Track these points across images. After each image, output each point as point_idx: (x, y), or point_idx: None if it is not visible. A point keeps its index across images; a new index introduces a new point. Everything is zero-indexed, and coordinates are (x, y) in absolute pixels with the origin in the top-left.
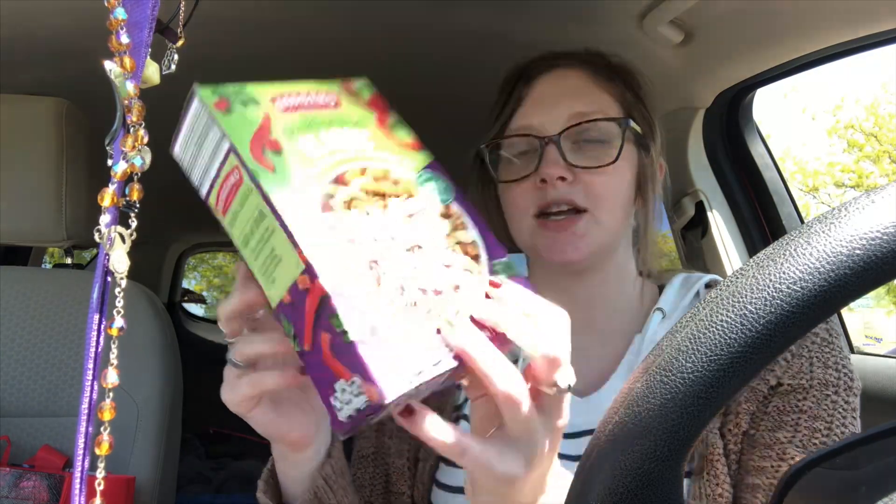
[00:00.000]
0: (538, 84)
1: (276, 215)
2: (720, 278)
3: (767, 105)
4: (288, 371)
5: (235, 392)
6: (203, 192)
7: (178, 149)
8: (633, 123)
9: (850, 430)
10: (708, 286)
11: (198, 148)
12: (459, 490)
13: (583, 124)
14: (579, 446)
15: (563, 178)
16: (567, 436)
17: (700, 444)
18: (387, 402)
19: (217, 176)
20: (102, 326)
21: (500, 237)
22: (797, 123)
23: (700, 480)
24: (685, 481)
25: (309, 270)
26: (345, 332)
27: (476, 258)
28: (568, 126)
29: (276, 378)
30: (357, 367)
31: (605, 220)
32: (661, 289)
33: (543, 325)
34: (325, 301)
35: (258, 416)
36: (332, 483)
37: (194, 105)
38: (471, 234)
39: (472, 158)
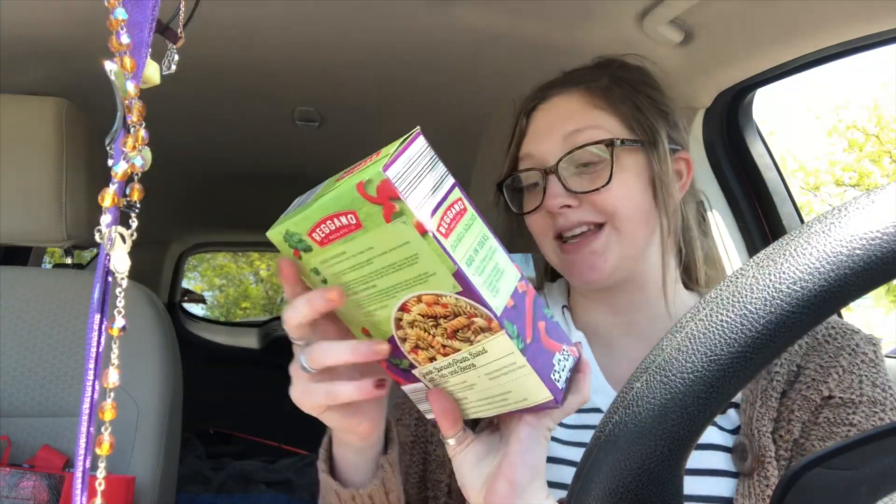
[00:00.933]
0: (536, 114)
1: (496, 238)
2: None
3: (767, 105)
4: (365, 385)
5: (310, 398)
6: (422, 213)
7: (395, 171)
8: (622, 141)
9: None
10: None
11: (418, 177)
12: None
13: (574, 151)
14: None
15: (567, 206)
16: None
17: (753, 445)
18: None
19: (442, 202)
20: (103, 326)
21: (537, 257)
22: (798, 123)
23: (750, 480)
24: (734, 480)
25: (524, 277)
26: (552, 316)
27: None
28: (563, 155)
29: (353, 391)
30: (562, 336)
31: (626, 229)
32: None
33: None
34: (537, 298)
35: (330, 417)
36: (394, 469)
37: (419, 142)
38: None
39: (495, 192)
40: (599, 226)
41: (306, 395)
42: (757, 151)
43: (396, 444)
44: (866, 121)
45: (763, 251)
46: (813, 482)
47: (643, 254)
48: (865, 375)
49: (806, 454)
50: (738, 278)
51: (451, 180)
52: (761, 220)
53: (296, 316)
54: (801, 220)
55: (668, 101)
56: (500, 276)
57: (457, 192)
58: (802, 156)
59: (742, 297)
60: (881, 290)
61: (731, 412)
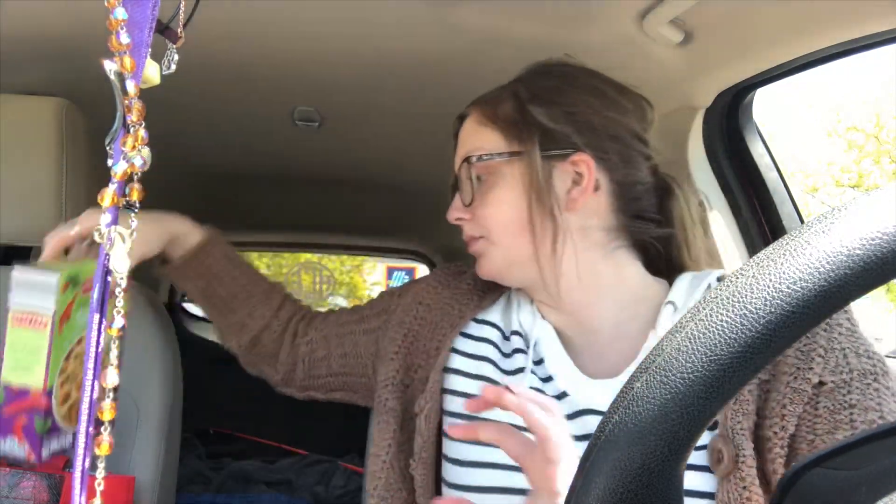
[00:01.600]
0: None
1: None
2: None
3: (767, 105)
4: None
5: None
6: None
7: None
8: (476, 158)
9: None
10: (720, 279)
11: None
12: (467, 464)
13: (459, 169)
14: (584, 426)
15: (460, 219)
16: (571, 416)
17: (728, 446)
18: None
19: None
20: (103, 326)
21: None
22: (798, 123)
23: (728, 483)
24: (705, 476)
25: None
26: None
27: None
28: (455, 174)
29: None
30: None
31: (499, 240)
32: (669, 285)
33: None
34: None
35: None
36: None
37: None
38: None
39: None
40: (476, 238)
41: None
42: (757, 151)
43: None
44: (866, 121)
45: (763, 251)
46: (813, 482)
47: (535, 259)
48: (848, 348)
49: (815, 449)
50: (738, 278)
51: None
52: (761, 220)
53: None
54: (801, 220)
55: (581, 101)
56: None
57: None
58: (802, 157)
59: (742, 297)
60: (880, 290)
61: None
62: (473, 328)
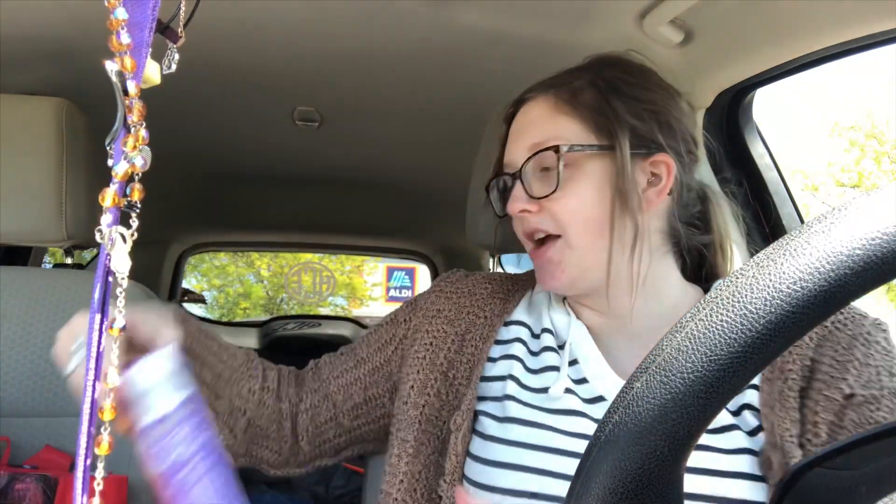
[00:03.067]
0: (515, 120)
1: None
2: None
3: (767, 105)
4: None
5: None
6: None
7: None
8: (571, 147)
9: None
10: None
11: None
12: (493, 464)
13: (531, 158)
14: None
15: (525, 211)
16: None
17: (777, 453)
18: None
19: None
20: (103, 326)
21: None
22: (798, 123)
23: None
24: (756, 485)
25: None
26: None
27: None
28: (524, 160)
29: None
30: None
31: (577, 242)
32: (704, 293)
33: None
34: None
35: None
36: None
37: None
38: None
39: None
40: (553, 238)
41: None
42: (757, 151)
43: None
44: (865, 121)
45: (763, 251)
46: (813, 482)
47: (607, 263)
48: (882, 366)
49: None
50: (738, 278)
51: None
52: (761, 220)
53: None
54: (801, 220)
55: (660, 100)
56: None
57: None
58: (802, 157)
59: (742, 297)
60: (881, 290)
61: (747, 413)
62: (503, 332)
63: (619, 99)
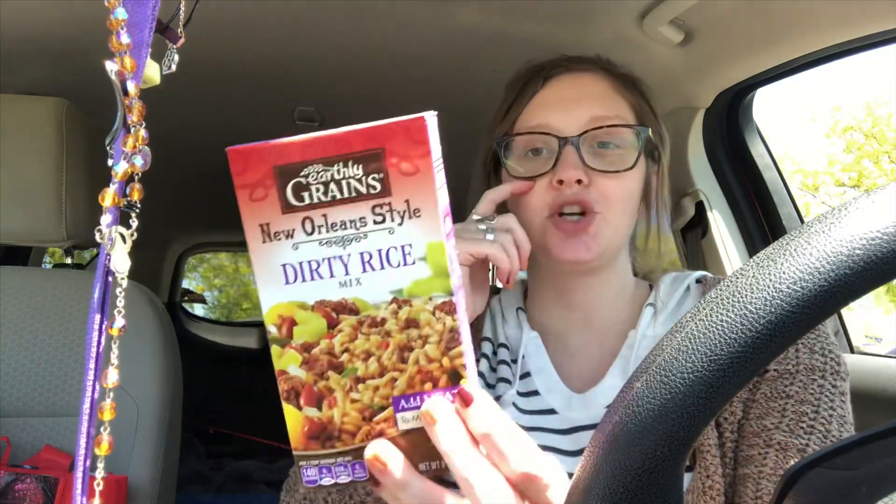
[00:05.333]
0: (555, 84)
1: None
2: (710, 274)
3: (767, 105)
4: (516, 262)
5: (475, 244)
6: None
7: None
8: (649, 132)
9: (838, 413)
10: (699, 281)
11: None
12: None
13: (603, 128)
14: (577, 441)
15: (579, 181)
16: (564, 431)
17: None
18: None
19: None
20: (103, 326)
21: None
22: (797, 123)
23: (692, 474)
24: (686, 476)
25: None
26: None
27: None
28: (588, 129)
29: (513, 256)
30: None
31: (615, 221)
32: (651, 287)
33: (504, 460)
34: None
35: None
36: None
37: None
38: None
39: (482, 153)
40: (589, 214)
41: (474, 242)
42: (757, 151)
43: None
44: (863, 121)
45: (763, 251)
46: (813, 482)
47: (622, 247)
48: (802, 343)
49: (745, 434)
50: (738, 278)
51: None
52: (761, 220)
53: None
54: (801, 220)
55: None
56: None
57: None
58: (802, 157)
59: (742, 297)
60: (881, 290)
61: None
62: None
63: (646, 97)
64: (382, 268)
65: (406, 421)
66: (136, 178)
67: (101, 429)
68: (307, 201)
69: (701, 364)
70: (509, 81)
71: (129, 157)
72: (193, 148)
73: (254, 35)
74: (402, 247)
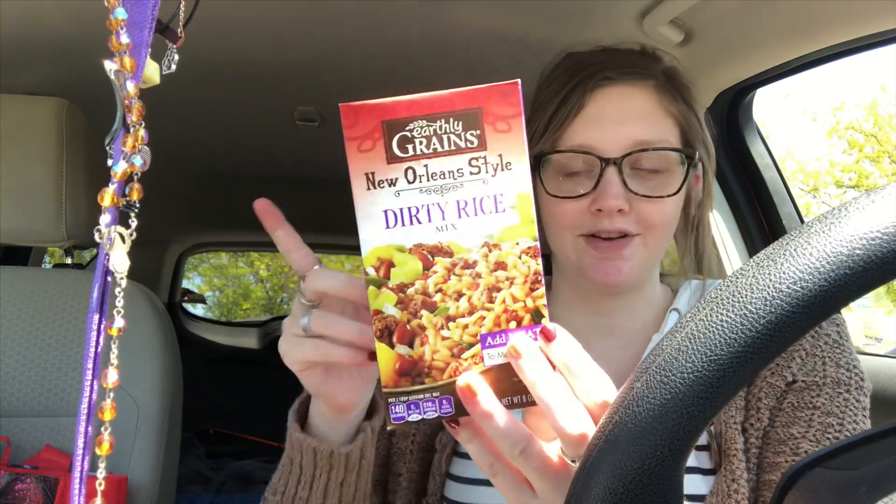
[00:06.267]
0: (601, 98)
1: None
2: None
3: (768, 105)
4: (358, 354)
5: (297, 352)
6: None
7: None
8: (692, 154)
9: (861, 427)
10: None
11: None
12: (472, 482)
13: (649, 151)
14: None
15: (621, 211)
16: None
17: (720, 439)
18: None
19: None
20: (102, 326)
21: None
22: (797, 124)
23: (718, 476)
24: (706, 478)
25: None
26: None
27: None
28: (633, 151)
29: (345, 356)
30: None
31: (653, 244)
32: (674, 292)
33: (584, 390)
34: None
35: (310, 378)
36: (374, 436)
37: None
38: None
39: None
40: (629, 236)
41: (295, 346)
42: (757, 151)
43: (381, 413)
44: (864, 121)
45: (763, 251)
46: (813, 482)
47: (656, 266)
48: (829, 357)
49: (771, 441)
50: (738, 278)
51: None
52: (761, 220)
53: (329, 285)
54: (801, 220)
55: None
56: None
57: None
58: (801, 157)
59: (742, 297)
60: (881, 290)
61: None
62: None
63: (694, 107)
64: (476, 214)
65: (492, 357)
66: (136, 178)
67: (102, 429)
68: (411, 153)
69: (701, 364)
70: (545, 81)
71: (129, 157)
72: (194, 148)
73: (254, 35)
74: (495, 196)
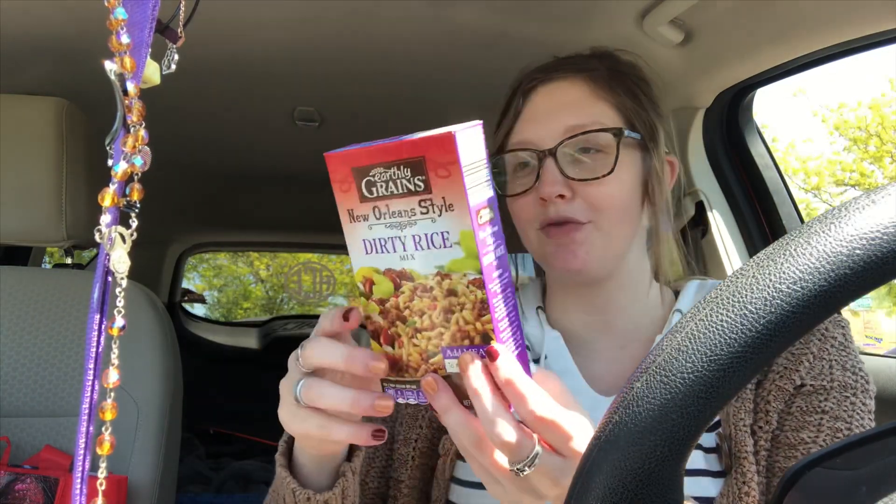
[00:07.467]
0: (535, 97)
1: None
2: None
3: (769, 105)
4: (362, 432)
5: (299, 427)
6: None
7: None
8: (628, 132)
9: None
10: None
11: None
12: (476, 485)
13: (578, 136)
14: None
15: (561, 196)
16: None
17: (730, 442)
18: None
19: None
20: (103, 326)
21: (513, 243)
22: (799, 122)
23: (728, 479)
24: (715, 480)
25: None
26: None
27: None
28: (564, 138)
29: (347, 436)
30: None
31: (608, 228)
32: (676, 293)
33: (520, 405)
34: None
35: (308, 443)
36: (355, 476)
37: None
38: None
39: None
40: (581, 223)
41: (297, 420)
42: (757, 151)
43: (361, 454)
44: (865, 121)
45: (763, 251)
46: (813, 482)
47: (625, 252)
48: (836, 360)
49: (781, 446)
50: (738, 278)
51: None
52: (761, 220)
53: (329, 361)
54: (801, 220)
55: (662, 102)
56: None
57: None
58: (803, 156)
59: (742, 297)
60: (881, 290)
61: None
62: None
63: (646, 94)
64: (428, 248)
65: (451, 366)
66: (136, 178)
67: (103, 428)
68: (375, 194)
69: (701, 364)
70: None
71: (129, 157)
72: (194, 148)
73: (254, 35)
74: (442, 233)
